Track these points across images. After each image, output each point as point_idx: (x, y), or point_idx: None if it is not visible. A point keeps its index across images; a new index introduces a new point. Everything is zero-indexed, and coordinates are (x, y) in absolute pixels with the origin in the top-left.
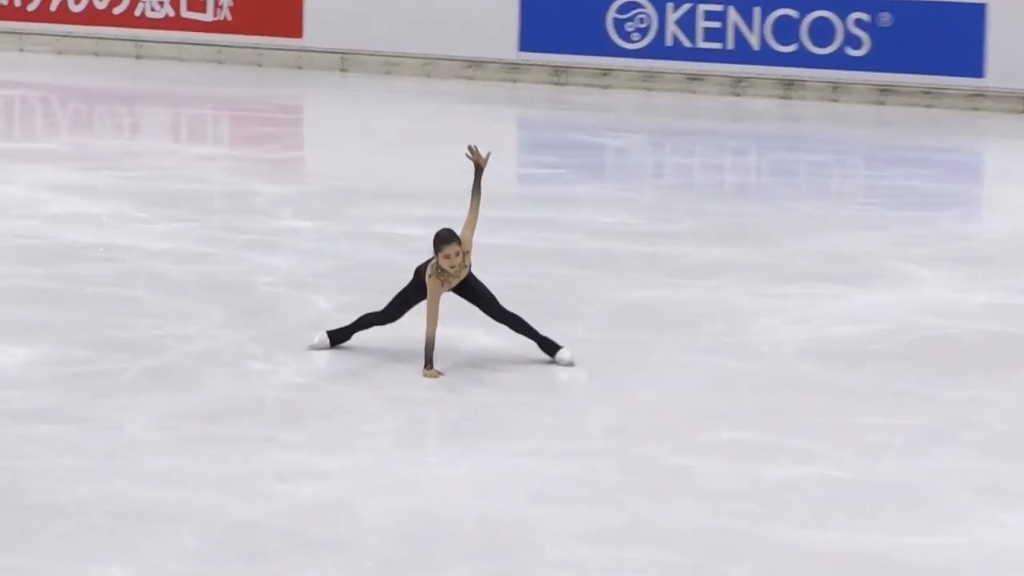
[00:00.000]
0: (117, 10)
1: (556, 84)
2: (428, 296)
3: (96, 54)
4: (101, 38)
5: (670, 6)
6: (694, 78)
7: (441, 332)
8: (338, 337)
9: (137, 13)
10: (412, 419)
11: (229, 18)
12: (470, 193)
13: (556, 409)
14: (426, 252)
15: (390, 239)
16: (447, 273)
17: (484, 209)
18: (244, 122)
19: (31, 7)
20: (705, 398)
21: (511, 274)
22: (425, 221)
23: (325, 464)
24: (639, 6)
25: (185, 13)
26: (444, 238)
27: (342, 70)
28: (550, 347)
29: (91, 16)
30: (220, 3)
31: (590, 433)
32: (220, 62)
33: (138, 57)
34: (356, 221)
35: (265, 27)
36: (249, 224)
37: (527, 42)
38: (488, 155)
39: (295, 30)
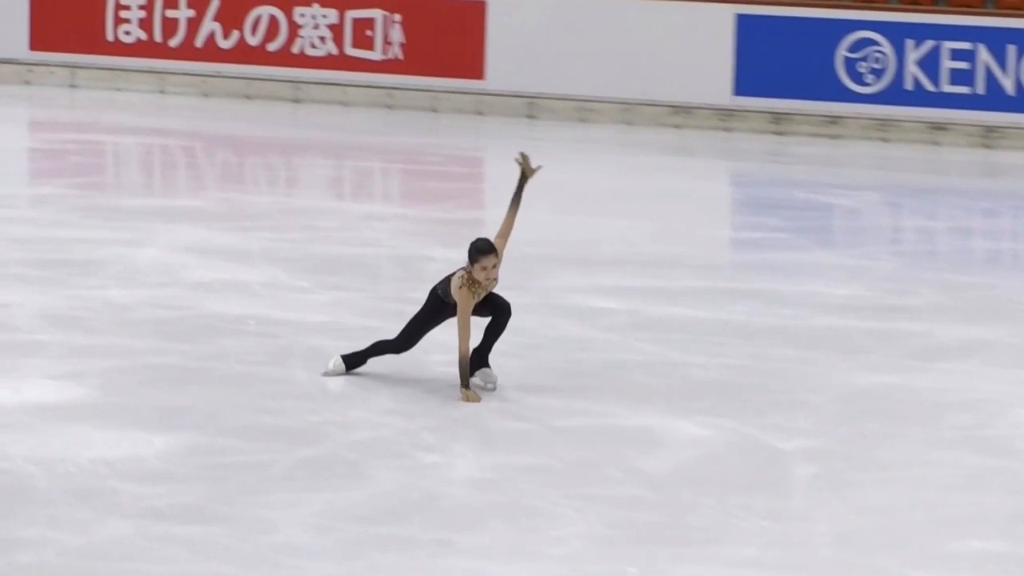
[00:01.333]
0: (272, 47)
1: (776, 133)
2: (459, 309)
3: (247, 97)
4: (253, 79)
5: (910, 43)
6: (938, 127)
7: (647, 420)
8: (353, 362)
9: (295, 50)
10: (608, 521)
11: (400, 57)
12: (510, 201)
13: (775, 512)
14: (625, 327)
15: (582, 313)
16: (479, 285)
17: (697, 279)
18: (416, 176)
19: (173, 42)
20: (950, 501)
21: (725, 354)
22: (624, 293)
23: (508, 573)
24: (874, 43)
25: (350, 51)
26: (483, 249)
27: (529, 116)
28: (483, 357)
29: (242, 54)
30: (390, 39)
31: (815, 541)
32: (390, 107)
33: (296, 101)
34: (543, 292)
35: (442, 67)
36: (421, 294)
37: (743, 85)
38: (538, 167)
39: (476, 71)
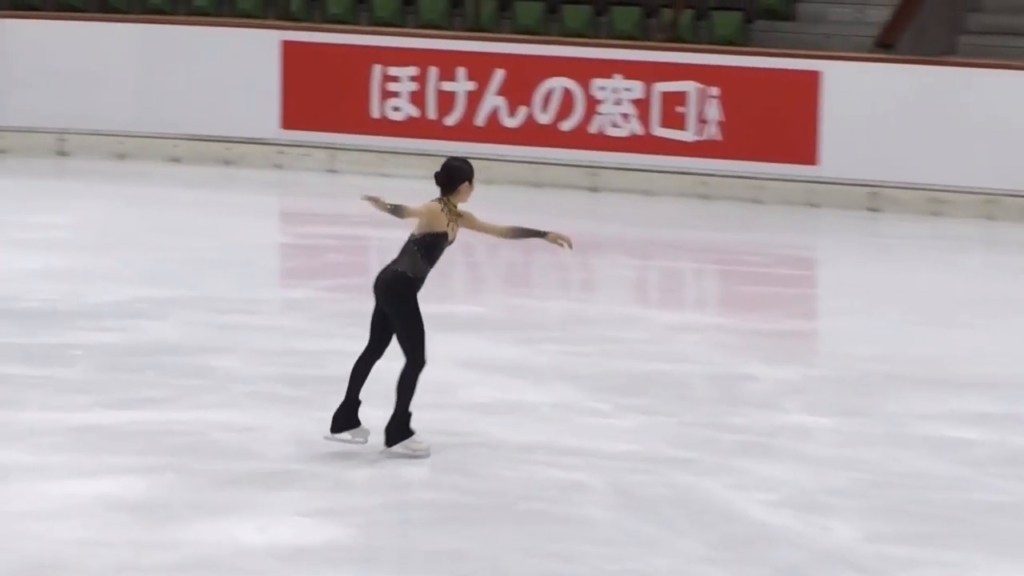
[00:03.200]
0: (565, 125)
1: None
2: (468, 224)
3: (536, 184)
4: (543, 163)
5: None
6: None
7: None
8: (349, 416)
9: (592, 130)
10: None
11: (717, 137)
12: (524, 229)
13: None
14: (985, 462)
15: (934, 444)
16: (454, 214)
17: None
18: (736, 279)
19: (449, 120)
20: None
21: None
22: (984, 420)
23: None
24: None
25: (657, 130)
26: (468, 168)
27: (871, 209)
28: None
29: (530, 134)
30: (705, 117)
31: None
32: (704, 196)
33: (592, 189)
34: (887, 418)
35: (767, 151)
36: (741, 420)
37: None
38: (567, 245)
39: (807, 155)
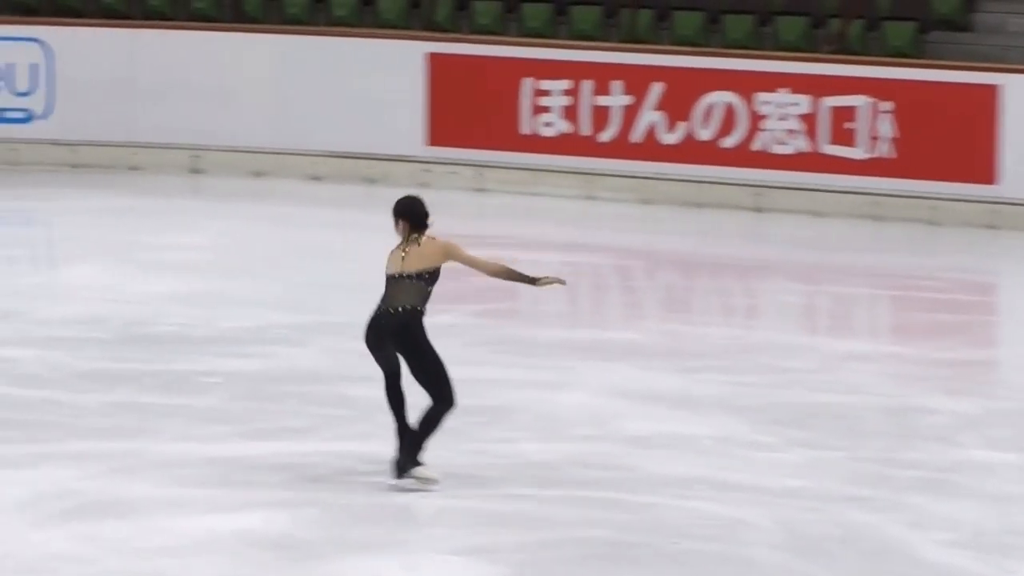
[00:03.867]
0: (727, 142)
1: None
2: (461, 259)
3: (697, 204)
4: (703, 181)
5: None
6: None
7: None
8: (412, 449)
9: (755, 147)
10: None
11: (890, 155)
12: (514, 272)
13: None
14: None
15: None
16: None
17: None
18: (910, 305)
19: (604, 137)
20: None
21: None
22: None
23: None
24: None
25: (826, 148)
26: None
27: None
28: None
29: (689, 151)
30: (877, 133)
31: None
32: (876, 218)
33: (756, 210)
34: None
35: (943, 169)
36: (917, 455)
37: None
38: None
39: (986, 173)
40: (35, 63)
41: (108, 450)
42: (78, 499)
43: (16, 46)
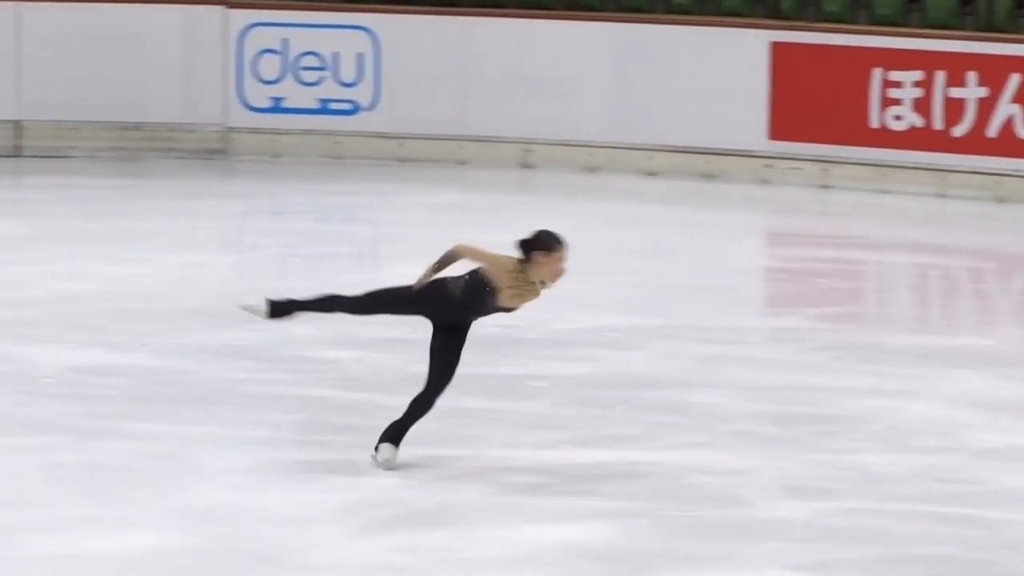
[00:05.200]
0: None
1: None
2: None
3: None
4: None
5: None
6: None
7: None
8: (282, 308)
9: None
10: None
11: None
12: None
13: None
14: None
15: None
16: (527, 287)
17: None
18: None
19: (957, 131)
20: None
21: None
22: None
23: None
24: None
25: None
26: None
27: None
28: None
29: None
30: None
31: None
32: None
33: None
34: None
35: None
36: None
37: None
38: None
39: None
40: (362, 52)
41: (432, 457)
42: (400, 508)
43: (343, 34)
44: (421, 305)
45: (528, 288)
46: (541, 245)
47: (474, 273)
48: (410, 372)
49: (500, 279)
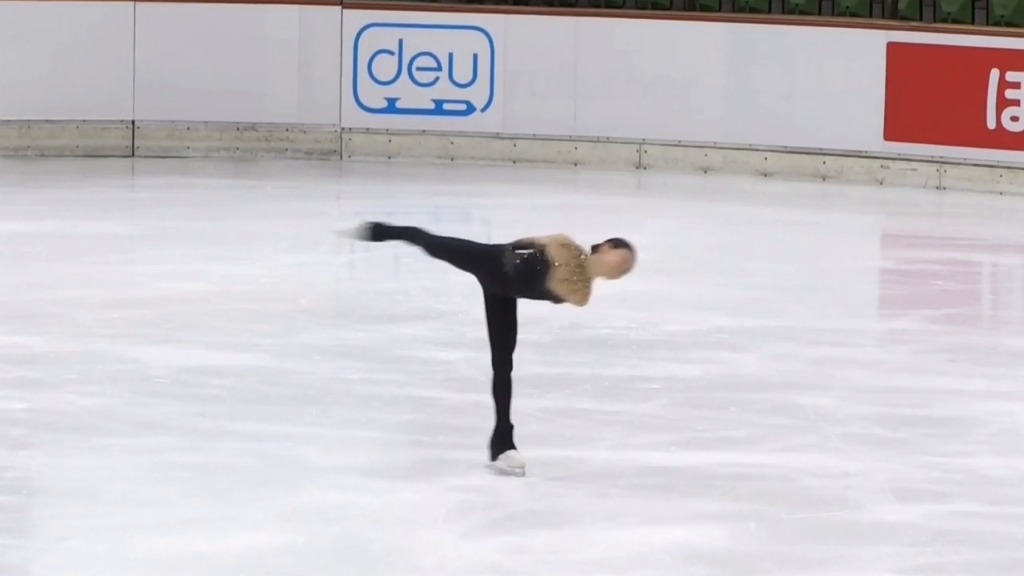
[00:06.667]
0: None
1: None
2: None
3: None
4: None
5: None
6: None
7: None
8: (375, 231)
9: None
10: None
11: None
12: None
13: None
14: None
15: None
16: (582, 281)
17: None
18: None
19: (1018, 126)
20: None
21: None
22: None
23: None
24: None
25: None
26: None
27: None
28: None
29: None
30: None
31: None
32: None
33: None
34: None
35: None
36: None
37: None
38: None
39: None
40: (476, 53)
41: (541, 458)
42: (509, 509)
43: (458, 35)
44: (475, 265)
45: (581, 282)
46: (613, 241)
47: (536, 252)
48: (519, 373)
49: (559, 256)
